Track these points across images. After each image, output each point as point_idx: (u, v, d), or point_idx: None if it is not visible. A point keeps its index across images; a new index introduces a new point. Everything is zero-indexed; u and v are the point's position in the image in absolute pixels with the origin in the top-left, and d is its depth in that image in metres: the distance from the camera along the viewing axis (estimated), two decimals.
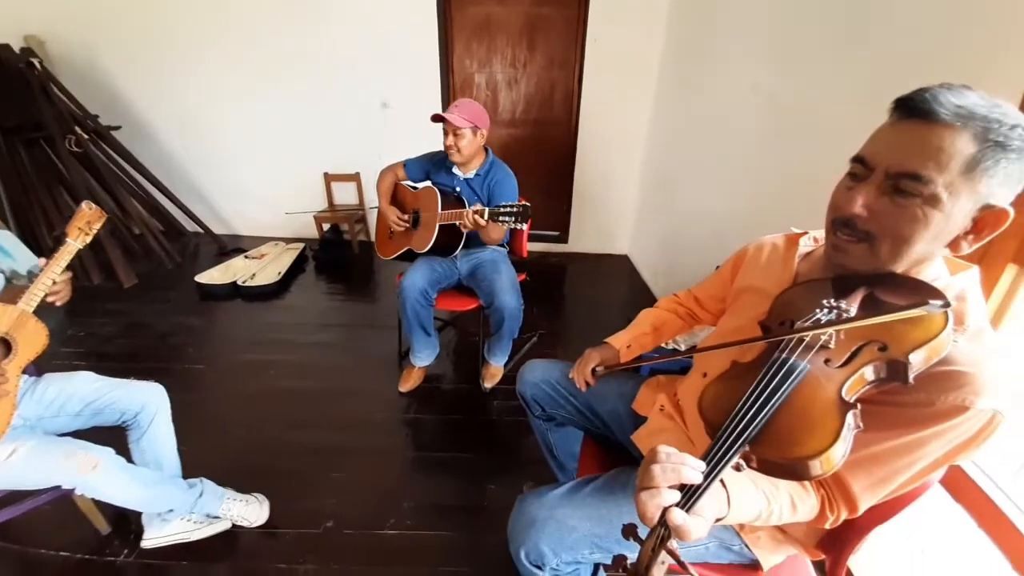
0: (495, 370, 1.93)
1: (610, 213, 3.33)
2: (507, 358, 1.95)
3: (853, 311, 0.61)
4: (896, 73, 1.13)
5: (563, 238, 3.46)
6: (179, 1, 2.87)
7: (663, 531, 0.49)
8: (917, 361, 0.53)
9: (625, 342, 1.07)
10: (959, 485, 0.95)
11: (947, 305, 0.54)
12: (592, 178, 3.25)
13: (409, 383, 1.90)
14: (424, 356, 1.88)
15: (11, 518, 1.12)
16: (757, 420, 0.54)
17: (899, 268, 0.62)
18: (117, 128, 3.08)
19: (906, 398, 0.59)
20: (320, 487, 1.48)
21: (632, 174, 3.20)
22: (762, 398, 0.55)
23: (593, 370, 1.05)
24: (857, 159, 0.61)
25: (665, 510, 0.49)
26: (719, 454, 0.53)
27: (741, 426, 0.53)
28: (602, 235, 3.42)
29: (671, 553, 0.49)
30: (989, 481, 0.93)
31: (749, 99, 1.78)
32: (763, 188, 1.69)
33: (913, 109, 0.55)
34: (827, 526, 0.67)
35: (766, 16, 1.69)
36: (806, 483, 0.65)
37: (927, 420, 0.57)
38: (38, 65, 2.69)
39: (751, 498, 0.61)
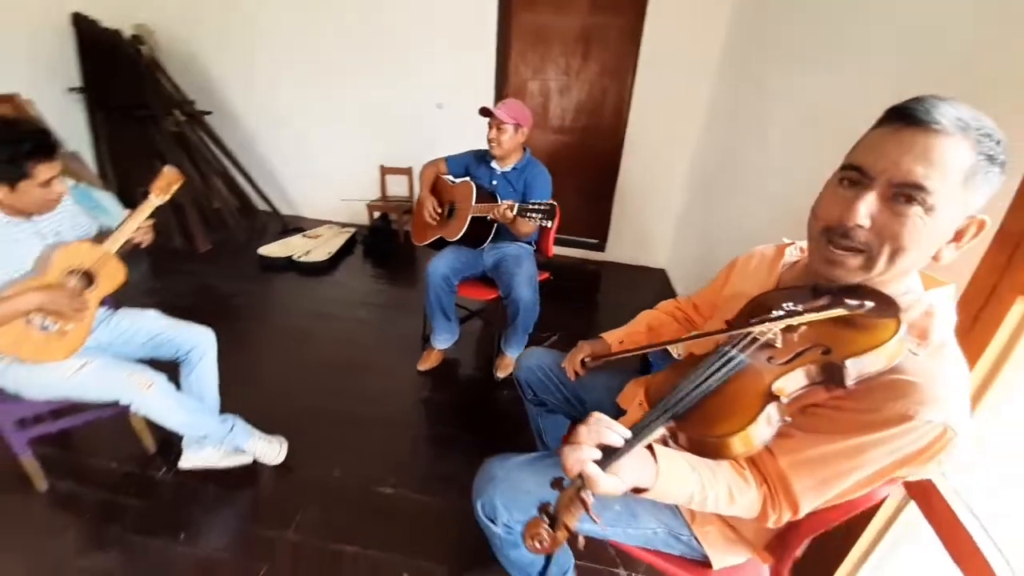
0: (509, 361, 2.02)
1: (650, 226, 3.32)
2: (522, 351, 2.02)
3: (818, 318, 0.64)
4: (953, 86, 1.08)
5: (601, 246, 3.48)
6: (266, 6, 3.23)
7: (580, 482, 0.56)
8: (854, 367, 0.55)
9: (618, 338, 1.12)
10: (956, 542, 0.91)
11: (861, 306, 0.57)
12: (635, 190, 3.26)
13: (427, 363, 2.03)
14: (443, 339, 2.00)
15: (73, 426, 1.36)
16: (685, 400, 0.59)
17: (887, 277, 0.62)
18: (209, 113, 3.48)
19: (855, 404, 0.60)
20: (334, 442, 1.63)
21: (676, 189, 3.17)
22: (696, 383, 0.60)
23: (583, 361, 1.10)
24: (853, 167, 0.60)
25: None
26: (644, 425, 0.58)
27: (670, 404, 0.59)
28: (640, 247, 3.41)
29: (583, 502, 0.55)
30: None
31: (796, 121, 1.75)
32: (806, 214, 1.65)
33: (913, 119, 0.55)
34: (770, 524, 0.68)
35: (817, 37, 1.66)
36: (747, 476, 0.68)
37: (871, 426, 0.58)
38: (146, 52, 3.11)
39: (683, 478, 0.64)
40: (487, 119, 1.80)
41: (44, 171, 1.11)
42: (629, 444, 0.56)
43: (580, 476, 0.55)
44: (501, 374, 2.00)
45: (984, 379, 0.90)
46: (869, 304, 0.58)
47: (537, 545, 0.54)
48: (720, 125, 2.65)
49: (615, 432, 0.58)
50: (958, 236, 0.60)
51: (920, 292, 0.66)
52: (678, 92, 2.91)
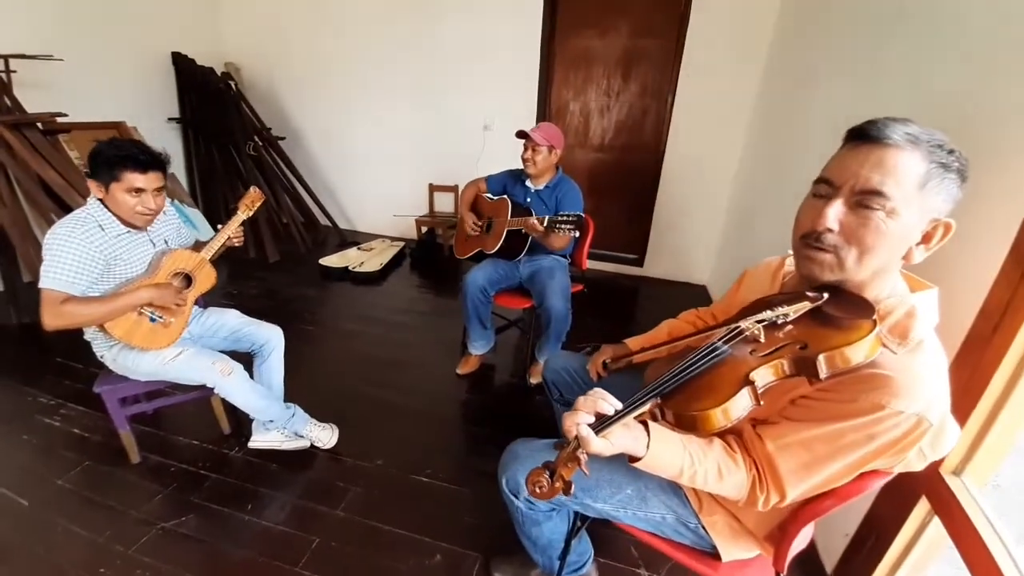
0: (541, 368, 2.11)
1: (690, 242, 3.32)
2: (560, 351, 2.11)
3: (791, 316, 0.71)
4: (989, 111, 1.06)
5: (639, 261, 3.52)
6: (334, 43, 3.61)
7: (576, 443, 0.66)
8: (827, 360, 0.62)
9: (640, 344, 1.21)
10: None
11: (820, 297, 0.66)
12: (675, 206, 3.29)
13: (466, 368, 2.17)
14: (479, 346, 2.13)
15: (165, 406, 1.60)
16: (672, 381, 0.68)
17: (861, 276, 0.69)
18: (283, 139, 3.89)
19: (835, 395, 0.67)
20: (379, 432, 1.80)
21: (718, 206, 3.17)
22: (683, 368, 0.69)
23: (605, 363, 1.20)
24: (822, 180, 0.70)
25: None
26: (635, 400, 0.68)
27: (659, 383, 0.68)
28: (680, 262, 3.41)
29: (577, 459, 0.65)
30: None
31: (833, 143, 1.75)
32: None
33: (868, 136, 0.65)
34: (759, 507, 0.74)
35: (862, 55, 1.66)
36: (737, 459, 0.74)
37: (848, 415, 0.65)
38: (234, 87, 3.55)
39: (673, 450, 0.72)
40: (523, 140, 1.95)
41: (131, 179, 1.26)
42: (619, 413, 0.66)
43: (576, 438, 0.65)
44: (534, 380, 2.10)
45: (1005, 386, 0.91)
46: (826, 295, 0.67)
47: (536, 490, 0.66)
48: (763, 142, 2.66)
49: (608, 403, 0.68)
50: (927, 238, 0.66)
51: (904, 294, 0.71)
52: (719, 111, 2.95)
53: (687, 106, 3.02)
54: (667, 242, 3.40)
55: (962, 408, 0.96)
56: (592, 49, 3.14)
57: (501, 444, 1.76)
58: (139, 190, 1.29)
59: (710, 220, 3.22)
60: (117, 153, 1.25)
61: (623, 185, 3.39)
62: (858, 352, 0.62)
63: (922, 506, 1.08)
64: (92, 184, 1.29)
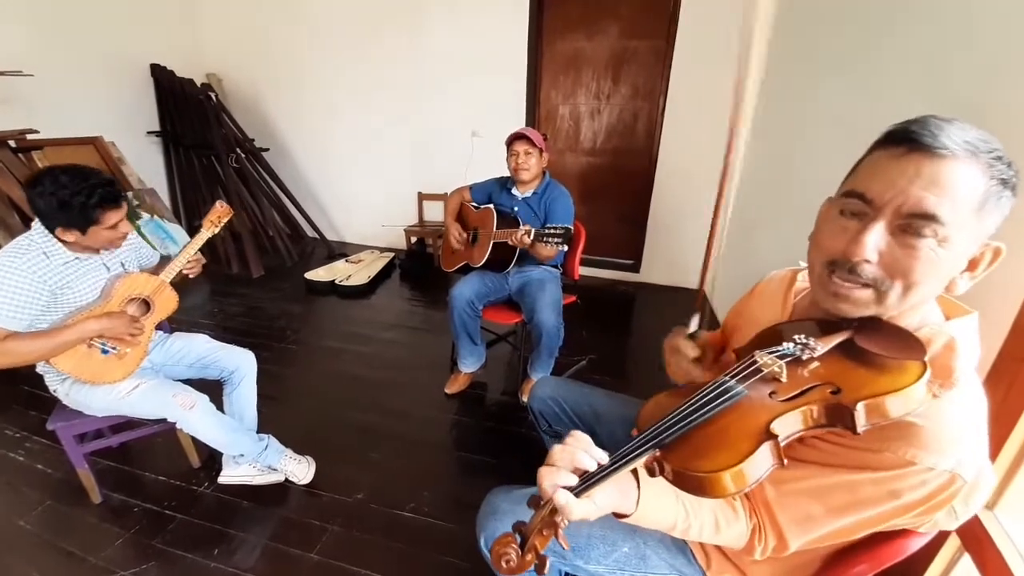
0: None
1: (687, 247, 3.22)
2: (547, 375, 2.00)
3: (819, 351, 0.59)
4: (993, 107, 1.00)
5: (635, 267, 3.41)
6: (318, 51, 3.53)
7: (553, 505, 0.53)
8: (867, 412, 0.50)
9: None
10: None
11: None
12: (670, 210, 3.19)
13: (455, 387, 2.05)
14: (469, 363, 2.02)
15: (129, 440, 1.49)
16: (674, 429, 0.55)
17: (899, 310, 0.58)
18: (266, 150, 3.79)
19: (853, 440, 0.56)
20: (360, 462, 1.68)
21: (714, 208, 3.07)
22: (687, 411, 0.57)
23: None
24: (855, 195, 0.56)
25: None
26: (627, 452, 0.55)
27: (657, 431, 0.56)
28: (677, 268, 3.31)
29: (554, 525, 0.53)
30: None
31: (842, 137, 1.66)
32: None
33: (918, 143, 0.51)
34: (756, 556, 0.65)
35: (864, 47, 1.57)
36: (736, 507, 0.65)
37: (868, 466, 0.55)
38: (214, 97, 3.46)
39: (666, 504, 0.62)
40: (509, 147, 1.85)
41: (111, 217, 1.22)
42: (606, 471, 0.54)
43: (553, 500, 0.53)
44: (526, 398, 1.98)
45: None
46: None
47: (503, 564, 0.52)
48: (760, 144, 2.56)
49: (591, 456, 0.56)
50: (972, 265, 0.55)
51: (939, 323, 0.60)
52: (711, 113, 2.85)
53: (680, 107, 2.93)
54: (663, 247, 3.30)
55: (994, 436, 0.85)
56: (580, 51, 3.05)
57: (492, 470, 1.68)
58: (116, 223, 1.25)
59: (707, 224, 3.12)
60: (88, 200, 1.18)
61: (616, 189, 3.29)
62: (907, 402, 0.50)
63: (951, 543, 0.97)
64: (62, 231, 1.20)
